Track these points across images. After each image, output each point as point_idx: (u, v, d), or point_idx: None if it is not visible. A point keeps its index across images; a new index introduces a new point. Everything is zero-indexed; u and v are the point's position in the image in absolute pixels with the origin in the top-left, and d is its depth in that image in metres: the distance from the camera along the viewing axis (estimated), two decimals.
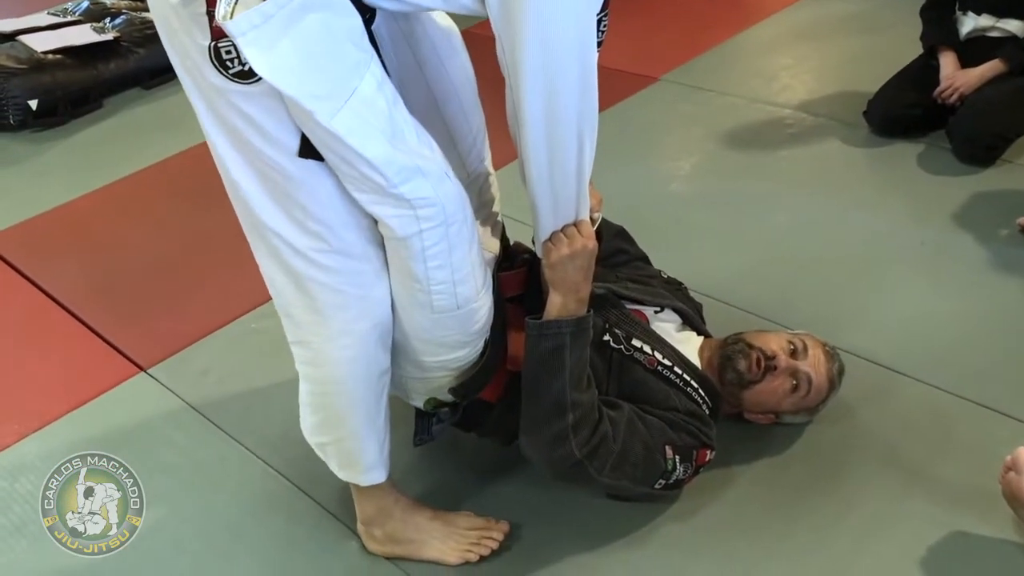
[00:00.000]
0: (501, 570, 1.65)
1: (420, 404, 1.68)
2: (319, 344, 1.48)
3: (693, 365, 1.74)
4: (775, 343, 1.76)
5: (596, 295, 1.67)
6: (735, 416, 1.83)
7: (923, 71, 2.85)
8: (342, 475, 1.64)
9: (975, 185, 2.60)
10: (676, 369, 1.68)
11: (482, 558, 1.65)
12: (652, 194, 2.75)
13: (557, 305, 1.53)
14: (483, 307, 1.51)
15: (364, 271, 1.42)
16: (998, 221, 2.43)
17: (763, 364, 1.72)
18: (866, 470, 1.77)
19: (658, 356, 1.68)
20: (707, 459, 1.67)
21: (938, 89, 2.77)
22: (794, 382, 1.73)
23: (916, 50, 2.91)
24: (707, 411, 1.70)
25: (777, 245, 2.46)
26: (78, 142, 3.41)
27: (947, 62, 2.79)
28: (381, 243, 1.42)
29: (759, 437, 1.85)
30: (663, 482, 1.62)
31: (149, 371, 2.20)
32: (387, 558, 1.68)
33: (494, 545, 1.65)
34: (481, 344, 1.57)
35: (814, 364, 1.75)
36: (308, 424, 1.63)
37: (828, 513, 1.70)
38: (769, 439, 1.84)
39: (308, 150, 1.30)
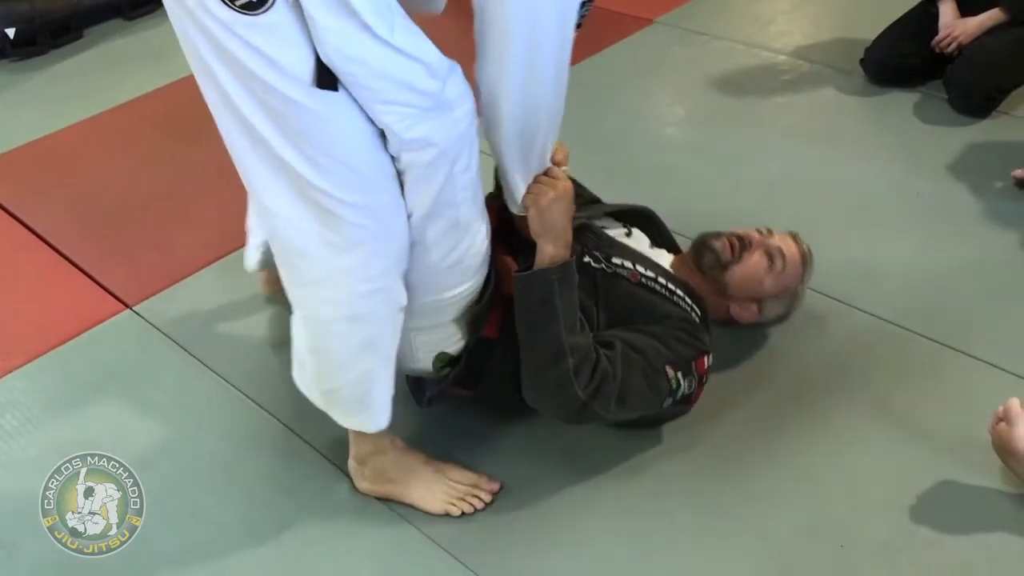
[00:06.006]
0: (491, 508, 1.65)
1: (429, 365, 1.65)
2: (339, 279, 1.44)
3: (673, 274, 1.76)
4: (742, 230, 1.85)
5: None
6: (725, 320, 1.85)
7: (922, 19, 2.81)
8: (348, 423, 1.61)
9: (971, 136, 2.58)
10: (660, 279, 1.71)
11: (464, 514, 1.64)
12: (646, 138, 2.72)
13: (549, 254, 1.55)
14: (482, 231, 1.53)
15: (383, 204, 1.40)
16: (993, 173, 2.41)
17: (736, 244, 1.80)
18: (855, 418, 1.78)
19: (640, 269, 1.70)
20: (706, 366, 1.68)
21: (936, 38, 2.73)
22: (769, 257, 1.80)
23: None
24: (696, 318, 1.72)
25: (770, 191, 2.44)
26: (58, 72, 3.32)
27: (946, 10, 2.75)
28: (396, 177, 1.40)
29: (750, 380, 1.86)
30: (671, 400, 1.63)
31: (135, 308, 2.17)
32: (376, 498, 1.68)
33: (479, 504, 1.65)
34: (485, 271, 1.58)
35: (783, 240, 1.85)
36: (311, 372, 1.59)
37: (816, 459, 1.71)
38: (760, 383, 1.85)
39: (324, 79, 1.26)
